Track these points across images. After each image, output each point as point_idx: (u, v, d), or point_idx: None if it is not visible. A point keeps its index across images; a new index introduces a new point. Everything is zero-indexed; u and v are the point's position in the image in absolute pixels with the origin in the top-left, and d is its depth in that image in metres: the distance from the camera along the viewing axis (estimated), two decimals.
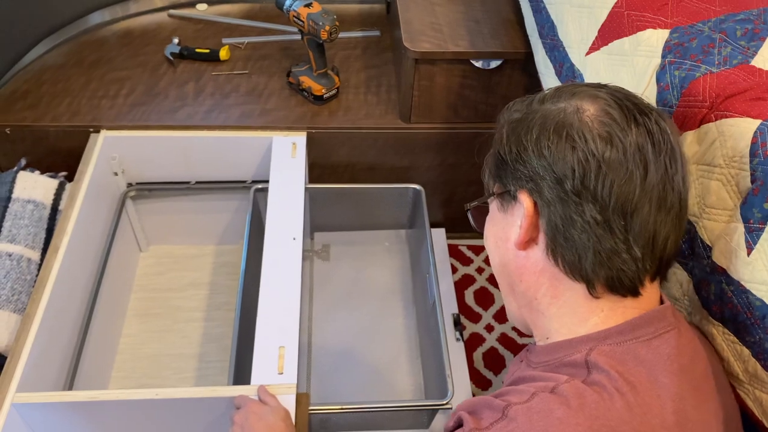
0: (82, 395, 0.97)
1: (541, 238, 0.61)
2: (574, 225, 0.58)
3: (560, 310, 0.62)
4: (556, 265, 0.60)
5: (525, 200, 0.61)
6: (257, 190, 1.40)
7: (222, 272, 1.56)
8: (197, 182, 1.45)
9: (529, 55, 1.25)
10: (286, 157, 1.32)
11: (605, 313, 0.60)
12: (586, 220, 0.57)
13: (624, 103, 0.60)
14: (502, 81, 1.37)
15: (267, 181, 1.29)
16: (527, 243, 0.62)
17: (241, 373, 1.15)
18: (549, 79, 1.10)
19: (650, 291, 0.61)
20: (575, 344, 0.60)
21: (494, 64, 1.34)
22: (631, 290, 0.59)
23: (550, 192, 0.59)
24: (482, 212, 0.70)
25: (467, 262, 1.63)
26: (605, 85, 0.63)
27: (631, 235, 0.58)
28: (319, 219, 1.53)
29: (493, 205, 0.67)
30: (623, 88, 0.63)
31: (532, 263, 0.62)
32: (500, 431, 0.54)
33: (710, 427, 0.59)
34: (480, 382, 1.41)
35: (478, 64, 1.33)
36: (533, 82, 1.27)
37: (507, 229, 0.64)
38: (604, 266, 0.58)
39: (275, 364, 0.99)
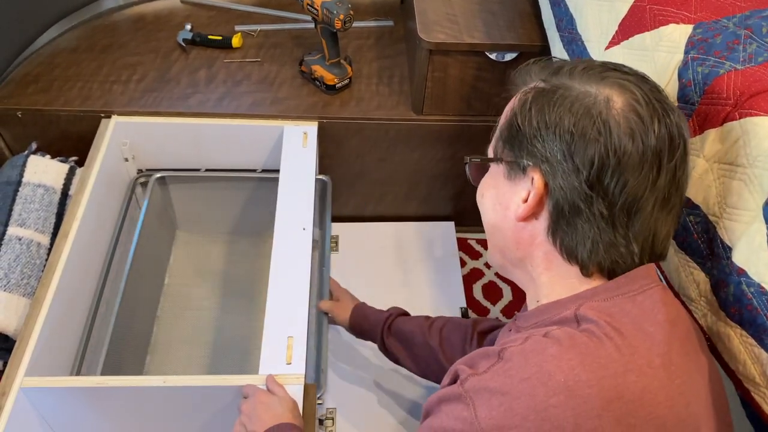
0: (90, 380, 0.97)
1: (544, 216, 0.63)
2: (580, 214, 0.61)
3: (551, 279, 0.65)
4: (554, 245, 0.63)
5: (537, 180, 0.62)
6: (158, 179, 1.41)
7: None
8: (207, 170, 1.44)
9: (545, 48, 1.24)
10: (297, 147, 1.31)
11: (595, 282, 0.63)
12: (593, 212, 0.60)
13: (651, 100, 0.61)
14: None
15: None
16: (527, 218, 0.64)
17: (114, 364, 1.17)
18: None
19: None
20: (564, 303, 0.63)
21: (509, 56, 1.32)
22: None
23: (564, 178, 0.60)
24: (482, 168, 0.71)
25: (476, 256, 1.62)
26: (632, 73, 0.64)
27: (631, 232, 0.61)
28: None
29: (499, 169, 0.68)
30: (648, 78, 0.64)
31: (529, 235, 0.65)
32: (497, 372, 0.56)
33: (693, 377, 0.60)
34: None
35: (492, 56, 1.32)
36: None
37: (509, 197, 0.66)
38: (600, 255, 0.61)
39: (283, 354, 0.98)
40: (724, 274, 0.69)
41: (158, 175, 1.43)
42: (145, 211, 1.37)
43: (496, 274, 1.58)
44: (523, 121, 0.64)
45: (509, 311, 1.50)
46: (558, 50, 1.11)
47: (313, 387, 0.98)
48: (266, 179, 1.44)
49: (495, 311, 1.51)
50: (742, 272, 0.65)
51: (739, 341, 0.67)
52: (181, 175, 1.45)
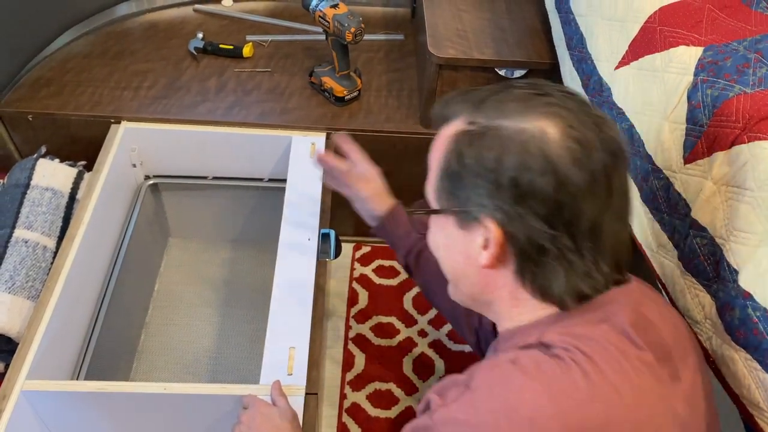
0: (90, 385, 0.97)
1: (510, 261, 0.61)
2: (547, 254, 0.59)
3: (520, 315, 0.64)
4: (523, 287, 0.62)
5: (493, 228, 0.59)
6: (151, 185, 1.42)
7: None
8: (214, 177, 1.45)
9: (555, 66, 1.24)
10: (305, 157, 1.31)
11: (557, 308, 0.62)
12: (559, 248, 0.58)
13: (583, 119, 0.59)
14: None
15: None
16: (495, 264, 0.62)
17: (100, 369, 1.16)
18: None
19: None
20: (525, 330, 0.62)
21: (518, 73, 1.33)
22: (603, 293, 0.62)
23: (522, 222, 0.58)
24: (428, 216, 0.69)
25: None
26: (554, 93, 0.61)
27: (599, 255, 0.59)
28: None
29: (448, 220, 0.65)
30: (572, 93, 0.62)
31: (496, 280, 0.63)
32: (464, 403, 0.56)
33: (667, 400, 0.59)
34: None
35: (501, 72, 1.32)
36: None
37: (467, 246, 0.63)
38: (576, 287, 0.60)
39: (285, 365, 0.98)
40: (730, 297, 0.68)
41: (151, 182, 1.43)
42: (137, 217, 1.38)
43: None
44: (461, 169, 0.61)
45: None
46: (568, 69, 1.12)
47: (315, 398, 0.97)
48: (272, 189, 1.44)
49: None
50: (748, 296, 0.65)
51: (743, 365, 0.67)
52: (178, 182, 1.45)
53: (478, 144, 0.60)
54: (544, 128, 0.58)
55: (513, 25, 1.39)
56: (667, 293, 0.83)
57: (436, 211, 0.67)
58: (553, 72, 1.28)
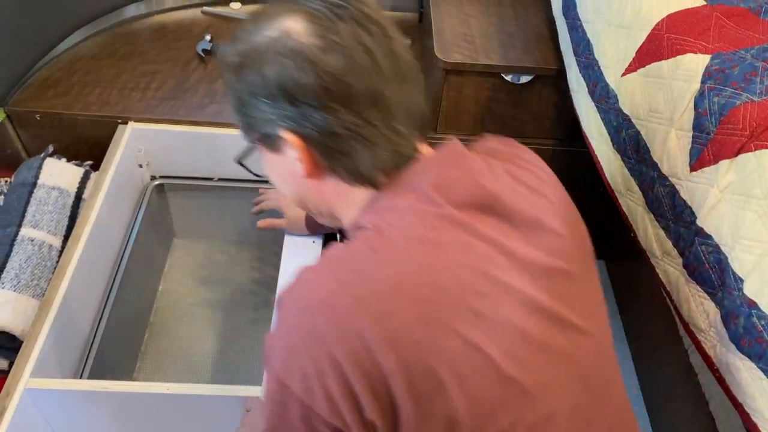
0: (94, 384, 0.97)
1: (321, 162, 0.64)
2: (341, 138, 0.61)
3: (350, 209, 0.67)
4: (342, 179, 0.65)
5: (290, 138, 0.63)
6: (157, 186, 1.42)
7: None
8: (220, 179, 1.45)
9: (561, 72, 1.24)
10: None
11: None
12: (348, 127, 0.61)
13: (320, 6, 0.61)
14: (531, 96, 1.35)
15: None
16: (314, 171, 0.65)
17: (103, 368, 1.17)
18: (581, 98, 1.09)
19: (424, 148, 0.66)
20: (353, 222, 0.66)
21: (525, 79, 1.33)
22: (412, 158, 0.65)
23: (308, 121, 0.61)
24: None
25: None
26: None
27: (391, 120, 0.62)
28: None
29: (264, 151, 0.69)
30: None
31: (323, 187, 0.67)
32: (277, 322, 0.60)
33: (472, 250, 0.60)
34: None
35: (508, 78, 1.32)
36: (564, 99, 1.26)
37: (287, 166, 0.66)
38: (381, 158, 0.62)
39: None
40: (734, 306, 0.68)
41: (157, 182, 1.44)
42: (142, 217, 1.38)
43: None
44: (243, 100, 0.64)
45: None
46: (574, 75, 1.12)
47: None
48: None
49: None
50: (753, 304, 0.65)
51: (748, 374, 0.67)
52: (184, 183, 1.45)
53: (242, 70, 0.63)
54: (287, 28, 0.61)
55: (520, 31, 1.40)
56: (672, 300, 0.82)
57: (248, 149, 0.70)
58: (559, 78, 1.28)
